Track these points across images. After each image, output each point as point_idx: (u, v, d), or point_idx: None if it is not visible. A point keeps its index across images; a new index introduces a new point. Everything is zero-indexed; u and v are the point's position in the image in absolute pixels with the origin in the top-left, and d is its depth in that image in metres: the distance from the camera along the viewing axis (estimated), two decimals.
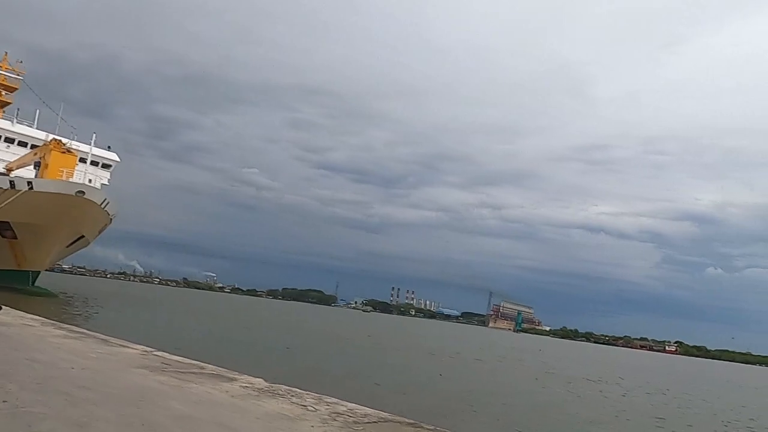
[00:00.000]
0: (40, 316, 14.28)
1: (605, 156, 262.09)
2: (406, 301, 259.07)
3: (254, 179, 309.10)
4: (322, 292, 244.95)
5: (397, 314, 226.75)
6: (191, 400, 5.97)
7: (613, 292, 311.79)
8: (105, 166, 50.21)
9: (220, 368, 8.47)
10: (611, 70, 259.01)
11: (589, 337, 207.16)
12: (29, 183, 38.00)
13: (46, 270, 46.23)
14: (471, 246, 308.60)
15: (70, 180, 39.61)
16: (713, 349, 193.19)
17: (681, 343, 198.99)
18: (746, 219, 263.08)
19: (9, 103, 51.20)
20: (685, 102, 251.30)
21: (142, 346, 9.94)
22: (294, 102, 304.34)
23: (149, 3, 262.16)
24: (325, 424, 5.54)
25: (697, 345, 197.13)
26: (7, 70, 50.41)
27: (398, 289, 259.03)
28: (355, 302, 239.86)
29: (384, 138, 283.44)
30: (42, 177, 39.21)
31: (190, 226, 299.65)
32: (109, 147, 51.58)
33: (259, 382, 7.57)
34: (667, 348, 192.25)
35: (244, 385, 7.29)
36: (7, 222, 39.26)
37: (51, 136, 44.35)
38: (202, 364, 8.73)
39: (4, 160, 46.58)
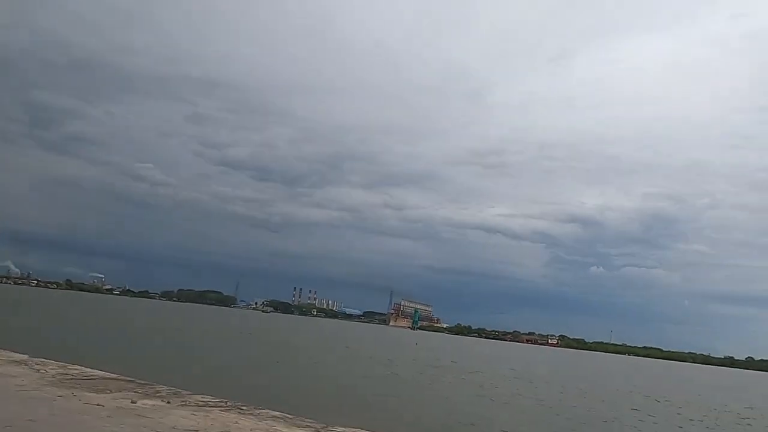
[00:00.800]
0: None
1: (501, 160, 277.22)
2: (309, 302, 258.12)
3: (148, 174, 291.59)
4: (221, 293, 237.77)
5: (299, 314, 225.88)
6: None
7: (507, 290, 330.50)
8: None
9: None
10: (507, 78, 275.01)
11: (481, 332, 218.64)
12: None
13: None
14: (373, 245, 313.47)
15: None
16: (591, 341, 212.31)
17: (563, 336, 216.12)
18: (623, 222, 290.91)
19: None
20: (573, 110, 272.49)
21: None
22: (192, 95, 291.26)
23: None
24: (41, 380, 6.75)
25: (577, 338, 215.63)
26: None
27: (300, 289, 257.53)
28: (256, 303, 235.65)
29: (287, 135, 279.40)
30: None
31: (76, 224, 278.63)
32: None
33: (20, 357, 8.55)
34: (549, 341, 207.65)
35: None
36: None
37: None
38: None
39: None
